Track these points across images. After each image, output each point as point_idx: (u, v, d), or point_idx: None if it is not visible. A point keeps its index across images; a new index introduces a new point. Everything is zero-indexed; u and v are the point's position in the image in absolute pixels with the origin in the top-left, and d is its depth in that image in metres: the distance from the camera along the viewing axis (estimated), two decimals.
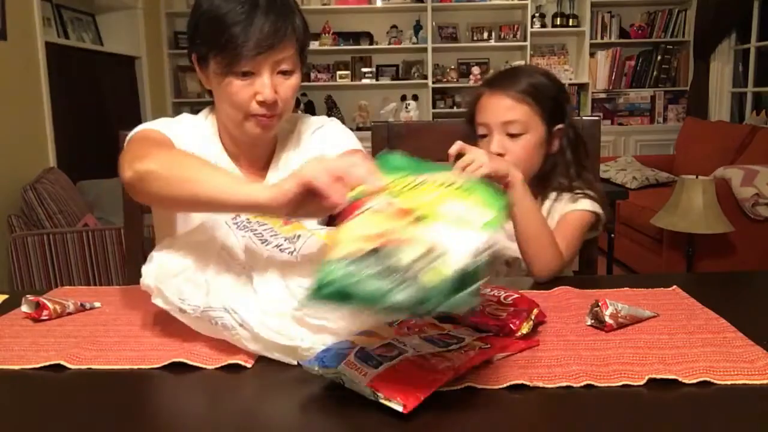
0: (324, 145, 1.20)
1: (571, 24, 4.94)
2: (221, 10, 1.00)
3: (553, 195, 1.25)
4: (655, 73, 5.03)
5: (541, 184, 1.26)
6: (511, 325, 0.80)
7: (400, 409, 0.61)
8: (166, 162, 0.89)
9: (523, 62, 4.83)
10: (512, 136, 1.19)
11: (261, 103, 1.04)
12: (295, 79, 1.07)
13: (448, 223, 0.58)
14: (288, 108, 1.10)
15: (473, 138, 1.25)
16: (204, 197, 0.83)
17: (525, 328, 0.80)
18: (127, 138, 1.09)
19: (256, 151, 1.17)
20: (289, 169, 1.06)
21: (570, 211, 1.20)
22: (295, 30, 1.04)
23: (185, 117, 1.19)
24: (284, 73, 1.05)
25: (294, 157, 1.20)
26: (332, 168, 0.73)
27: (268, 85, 1.02)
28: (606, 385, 0.69)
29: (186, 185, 0.85)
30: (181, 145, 1.06)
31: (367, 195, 0.66)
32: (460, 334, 0.77)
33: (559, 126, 1.22)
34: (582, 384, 0.69)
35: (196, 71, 1.11)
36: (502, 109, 1.20)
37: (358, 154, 1.13)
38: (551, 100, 1.21)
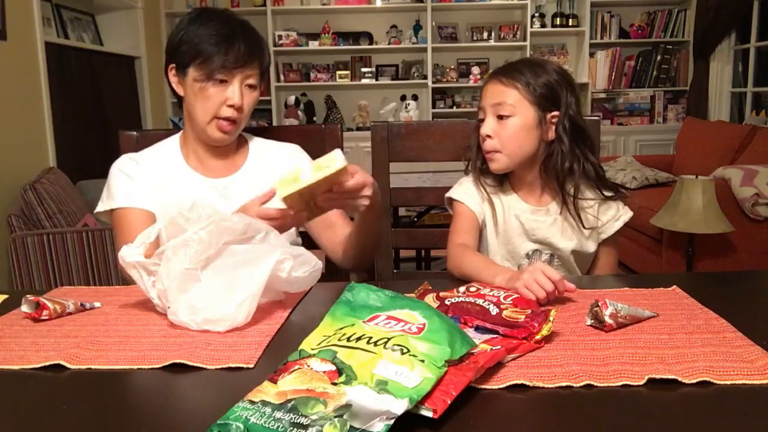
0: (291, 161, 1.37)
1: (570, 24, 4.94)
2: (208, 30, 1.23)
3: (590, 200, 1.33)
4: (654, 73, 5.04)
5: (546, 172, 1.27)
6: (530, 329, 0.79)
7: (429, 414, 0.60)
8: None
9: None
10: (501, 118, 1.23)
11: (230, 107, 1.25)
12: (257, 93, 1.30)
13: (371, 387, 0.61)
14: (246, 118, 1.31)
15: None
16: None
17: (545, 330, 0.79)
18: (111, 219, 1.33)
19: (215, 162, 1.36)
20: (245, 177, 1.34)
21: (620, 228, 1.38)
22: (262, 56, 1.29)
23: (143, 154, 1.37)
24: (250, 86, 1.28)
25: (257, 162, 1.38)
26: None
27: (237, 92, 1.25)
28: (606, 385, 0.69)
29: None
30: (146, 174, 1.32)
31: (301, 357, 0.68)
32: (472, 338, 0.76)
33: (554, 113, 1.23)
34: (582, 384, 0.69)
35: (170, 79, 1.30)
36: (494, 92, 1.24)
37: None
38: (543, 86, 1.22)
